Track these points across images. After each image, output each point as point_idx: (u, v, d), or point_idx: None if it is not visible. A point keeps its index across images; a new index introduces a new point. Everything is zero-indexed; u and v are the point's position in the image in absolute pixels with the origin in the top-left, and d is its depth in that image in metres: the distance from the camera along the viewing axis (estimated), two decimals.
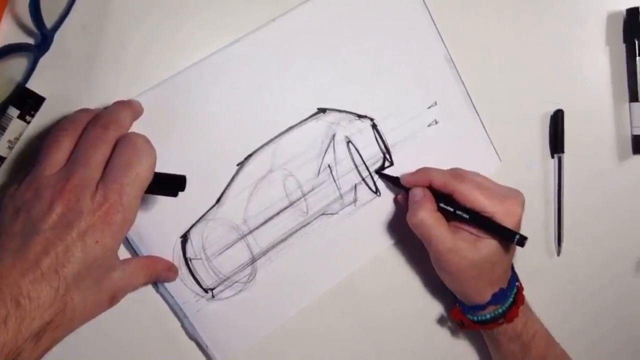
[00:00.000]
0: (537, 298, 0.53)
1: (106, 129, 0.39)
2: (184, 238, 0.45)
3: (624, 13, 0.57)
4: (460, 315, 0.51)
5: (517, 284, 0.51)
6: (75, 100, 0.42)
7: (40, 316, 0.34)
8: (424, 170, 0.50)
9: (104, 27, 0.43)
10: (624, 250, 0.61)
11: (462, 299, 0.50)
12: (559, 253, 0.59)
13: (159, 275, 0.44)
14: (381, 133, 0.51)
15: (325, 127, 0.49)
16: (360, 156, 0.50)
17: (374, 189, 0.51)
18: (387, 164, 0.51)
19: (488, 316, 0.49)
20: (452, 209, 0.48)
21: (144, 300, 0.45)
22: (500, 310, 0.49)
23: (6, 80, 0.40)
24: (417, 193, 0.48)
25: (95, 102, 0.42)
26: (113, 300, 0.40)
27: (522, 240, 0.47)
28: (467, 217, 0.47)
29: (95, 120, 0.39)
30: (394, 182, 0.51)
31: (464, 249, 0.47)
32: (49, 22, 0.41)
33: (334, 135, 0.49)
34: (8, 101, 0.40)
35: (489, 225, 0.47)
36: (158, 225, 0.44)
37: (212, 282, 0.47)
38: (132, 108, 0.42)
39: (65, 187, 0.36)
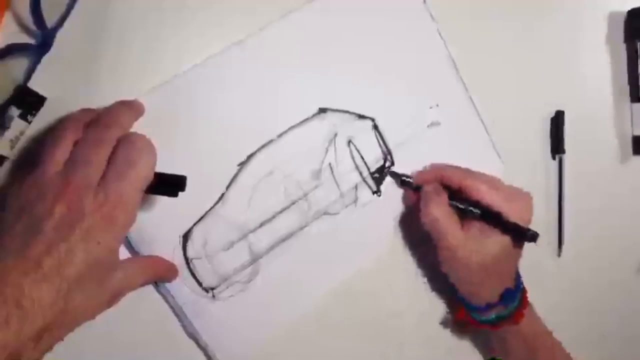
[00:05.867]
0: (538, 299, 0.53)
1: (107, 129, 0.39)
2: (185, 238, 0.45)
3: (625, 13, 0.57)
4: (466, 315, 0.51)
5: (522, 285, 0.51)
6: (76, 100, 0.42)
7: (42, 316, 0.34)
8: (435, 167, 0.51)
9: (105, 27, 0.43)
10: (625, 250, 0.61)
11: (468, 298, 0.50)
12: (559, 254, 0.59)
13: (159, 275, 0.44)
14: (382, 133, 0.50)
15: (327, 128, 0.49)
16: (361, 156, 0.50)
17: (374, 189, 0.51)
18: (387, 164, 0.51)
19: (493, 316, 0.49)
20: (464, 206, 0.48)
21: (144, 299, 0.45)
22: (506, 312, 0.49)
23: (7, 80, 0.40)
24: (430, 189, 0.49)
25: (96, 102, 0.42)
26: (113, 300, 0.39)
27: (534, 236, 0.47)
28: (479, 212, 0.47)
29: (96, 120, 0.39)
30: (404, 181, 0.51)
31: (474, 245, 0.47)
32: (50, 22, 0.41)
33: (335, 136, 0.49)
34: (9, 101, 0.40)
35: (500, 222, 0.47)
36: (159, 225, 0.44)
37: (212, 282, 0.46)
38: (133, 108, 0.42)
39: (67, 188, 0.36)
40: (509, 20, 0.54)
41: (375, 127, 0.50)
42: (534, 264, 0.56)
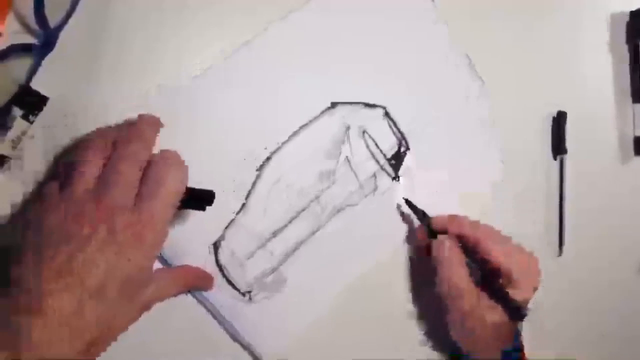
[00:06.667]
0: (538, 299, 0.53)
1: (136, 147, 0.39)
2: (215, 245, 0.46)
3: (627, 14, 0.57)
4: None
5: (519, 344, 0.50)
6: (79, 100, 0.43)
7: (89, 332, 0.35)
8: (456, 218, 0.50)
9: (107, 27, 0.44)
10: (625, 251, 0.61)
11: (468, 354, 0.49)
12: (560, 254, 0.59)
13: (191, 285, 0.45)
14: (394, 120, 0.51)
15: (339, 120, 0.49)
16: (376, 144, 0.50)
17: (393, 175, 0.51)
18: (403, 149, 0.51)
19: None
20: (482, 272, 0.48)
21: (181, 306, 0.46)
22: None
23: (10, 80, 0.40)
24: (453, 248, 0.48)
25: (98, 102, 0.43)
26: (144, 310, 0.40)
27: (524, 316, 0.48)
28: (491, 281, 0.47)
29: (123, 138, 0.39)
30: (419, 215, 0.50)
31: (485, 311, 0.47)
32: (52, 22, 0.41)
33: (348, 128, 0.49)
34: (11, 101, 0.40)
35: (499, 295, 0.47)
36: (189, 236, 0.45)
37: (247, 286, 0.47)
38: (155, 123, 0.42)
39: (97, 208, 0.36)
40: (509, 20, 0.54)
41: (387, 114, 0.51)
42: None
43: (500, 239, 0.49)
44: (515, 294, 0.47)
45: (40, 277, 0.34)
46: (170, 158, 0.39)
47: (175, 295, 0.43)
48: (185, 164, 0.40)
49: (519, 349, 0.49)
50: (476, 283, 0.48)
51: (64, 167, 0.40)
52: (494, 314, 0.47)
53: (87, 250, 0.35)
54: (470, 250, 0.48)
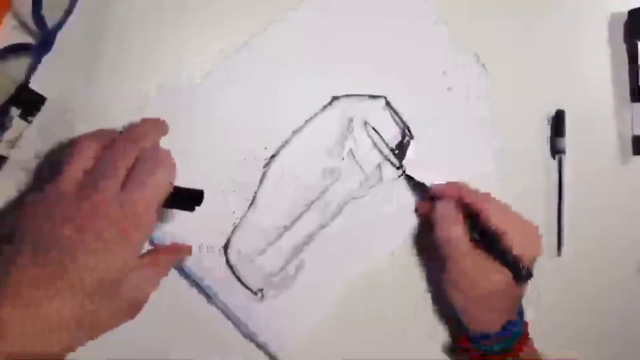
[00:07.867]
0: (538, 299, 0.53)
1: (131, 143, 0.39)
2: (226, 246, 0.46)
3: (625, 14, 0.57)
4: (467, 343, 0.50)
5: (523, 318, 0.50)
6: (76, 100, 0.42)
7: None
8: (456, 184, 0.50)
9: (106, 27, 0.43)
10: (625, 250, 0.61)
11: (470, 326, 0.49)
12: (559, 254, 0.59)
13: (168, 265, 0.43)
14: (396, 109, 0.51)
15: (341, 114, 0.49)
16: (379, 135, 0.50)
17: (397, 164, 0.51)
18: (407, 138, 0.51)
19: (493, 348, 0.48)
20: (479, 234, 0.48)
21: (190, 305, 0.46)
22: (505, 343, 0.48)
23: (8, 80, 0.40)
24: (448, 205, 0.48)
25: (96, 102, 0.42)
26: (135, 305, 0.39)
27: (528, 276, 0.48)
28: (494, 246, 0.47)
29: (121, 137, 0.39)
30: (420, 189, 0.51)
31: (482, 274, 0.47)
32: (50, 23, 0.41)
33: (351, 120, 0.49)
34: (10, 101, 0.40)
35: (505, 258, 0.47)
36: (198, 237, 0.45)
37: (258, 284, 0.47)
38: (158, 126, 0.41)
39: (82, 209, 0.36)
40: (509, 20, 0.54)
41: (388, 104, 0.51)
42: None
43: (500, 205, 0.49)
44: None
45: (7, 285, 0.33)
46: (158, 154, 0.39)
47: (162, 278, 0.42)
48: (183, 163, 0.40)
49: (521, 322, 0.49)
50: (477, 245, 0.48)
51: (49, 168, 0.39)
52: (498, 274, 0.47)
53: (76, 254, 0.35)
54: (471, 215, 0.48)
